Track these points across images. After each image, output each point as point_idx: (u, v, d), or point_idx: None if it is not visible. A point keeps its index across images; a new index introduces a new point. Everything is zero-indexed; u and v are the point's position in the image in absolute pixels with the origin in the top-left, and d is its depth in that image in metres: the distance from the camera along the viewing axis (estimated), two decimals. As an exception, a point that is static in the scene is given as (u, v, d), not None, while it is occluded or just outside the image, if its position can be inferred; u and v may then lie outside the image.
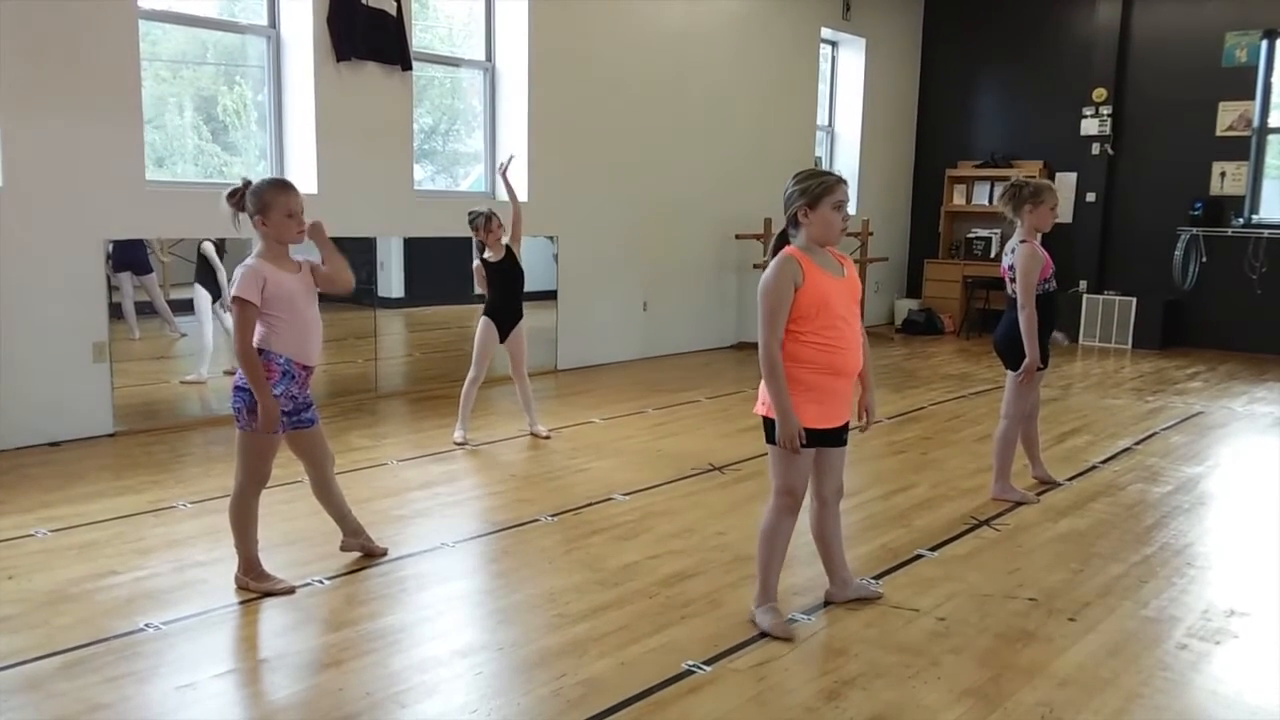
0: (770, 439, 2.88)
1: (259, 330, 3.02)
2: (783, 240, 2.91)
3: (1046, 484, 4.58)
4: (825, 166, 10.39)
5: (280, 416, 3.06)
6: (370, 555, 3.46)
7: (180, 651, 2.79)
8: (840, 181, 2.84)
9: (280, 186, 3.03)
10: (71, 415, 5.03)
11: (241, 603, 3.11)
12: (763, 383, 2.87)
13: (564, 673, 2.67)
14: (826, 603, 3.16)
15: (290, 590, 3.16)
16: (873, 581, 3.34)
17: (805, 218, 2.82)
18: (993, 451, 4.40)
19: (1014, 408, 4.28)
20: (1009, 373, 4.24)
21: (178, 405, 5.69)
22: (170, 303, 5.74)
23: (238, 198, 3.03)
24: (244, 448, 3.12)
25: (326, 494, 3.41)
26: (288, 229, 3.00)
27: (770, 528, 2.96)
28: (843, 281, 2.87)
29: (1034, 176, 4.48)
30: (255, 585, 3.16)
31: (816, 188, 2.80)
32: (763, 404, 2.89)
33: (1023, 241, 4.08)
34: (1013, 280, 4.11)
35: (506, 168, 5.17)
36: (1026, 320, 4.06)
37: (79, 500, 4.08)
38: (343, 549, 3.47)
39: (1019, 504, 4.29)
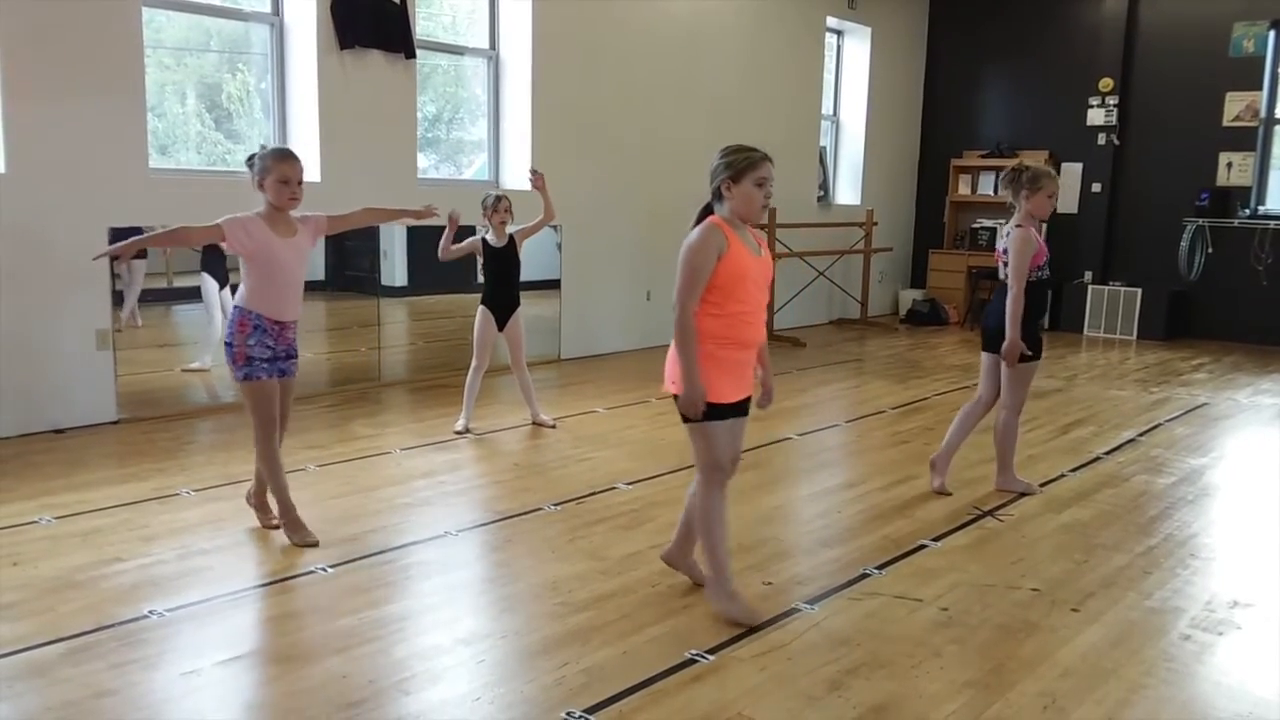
0: (687, 418, 2.89)
1: (243, 286, 3.34)
2: (707, 212, 2.93)
3: (941, 493, 4.28)
4: (830, 157, 10.36)
5: (253, 358, 3.33)
6: (268, 526, 3.62)
7: (185, 638, 2.80)
8: (765, 159, 2.86)
9: (279, 155, 3.32)
10: (75, 402, 5.03)
11: (246, 589, 3.12)
12: (668, 360, 2.89)
13: (567, 661, 2.68)
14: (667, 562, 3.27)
15: (316, 543, 3.44)
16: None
17: (728, 191, 2.85)
18: (995, 443, 4.38)
19: (1013, 397, 4.20)
20: (1011, 366, 4.19)
21: (181, 393, 5.69)
22: (175, 290, 5.75)
23: (251, 161, 3.35)
24: (244, 396, 3.40)
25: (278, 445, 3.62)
26: (280, 194, 3.27)
27: (708, 508, 2.97)
28: (760, 260, 2.91)
29: (1039, 163, 4.40)
30: (289, 533, 3.46)
31: (741, 162, 2.83)
32: (673, 382, 2.89)
33: (1019, 226, 4.05)
34: (1006, 264, 4.08)
35: (538, 181, 5.16)
36: (1013, 300, 4.01)
37: (83, 487, 4.09)
38: (247, 501, 3.71)
39: (1022, 494, 4.27)
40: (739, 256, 2.83)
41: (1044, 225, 4.14)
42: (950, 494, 4.27)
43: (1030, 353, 4.11)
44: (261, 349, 3.33)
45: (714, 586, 3.00)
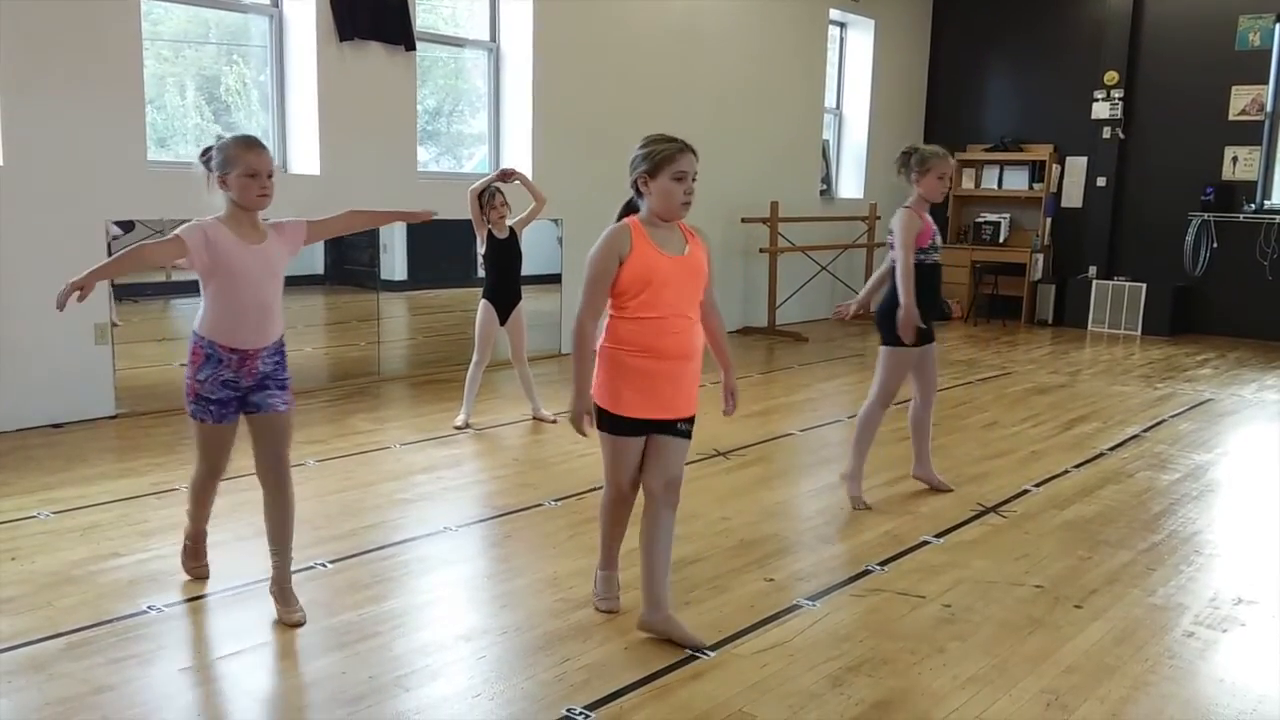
0: (598, 425, 2.69)
1: (201, 307, 2.77)
2: (628, 209, 2.72)
3: (932, 487, 4.17)
4: (833, 150, 10.31)
5: (202, 397, 2.78)
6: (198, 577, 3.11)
7: (183, 634, 2.79)
8: (685, 150, 2.59)
9: (244, 143, 2.73)
10: (73, 397, 5.02)
11: (244, 585, 3.10)
12: (595, 366, 2.70)
13: (568, 657, 2.67)
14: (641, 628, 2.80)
15: (202, 575, 3.09)
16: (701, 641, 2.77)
17: (645, 187, 2.61)
18: (855, 429, 4.06)
19: (881, 387, 3.95)
20: (881, 348, 3.95)
21: (180, 388, 5.64)
22: (174, 284, 5.72)
23: (208, 156, 2.75)
24: (195, 437, 2.86)
25: (269, 509, 2.87)
26: (247, 190, 2.70)
27: (604, 510, 2.89)
28: (681, 260, 2.64)
29: (932, 145, 4.10)
30: (184, 558, 3.10)
31: (658, 154, 2.57)
32: (595, 390, 2.70)
33: (905, 207, 3.89)
34: (893, 248, 3.89)
35: (513, 175, 5.17)
36: (903, 271, 3.76)
37: (81, 482, 4.07)
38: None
39: (855, 506, 3.94)
40: (646, 258, 2.58)
41: (927, 205, 3.91)
42: (952, 489, 4.23)
43: (924, 337, 3.85)
44: (214, 386, 2.74)
45: (601, 565, 2.94)
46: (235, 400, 2.79)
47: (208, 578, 3.11)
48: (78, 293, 2.51)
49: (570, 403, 2.67)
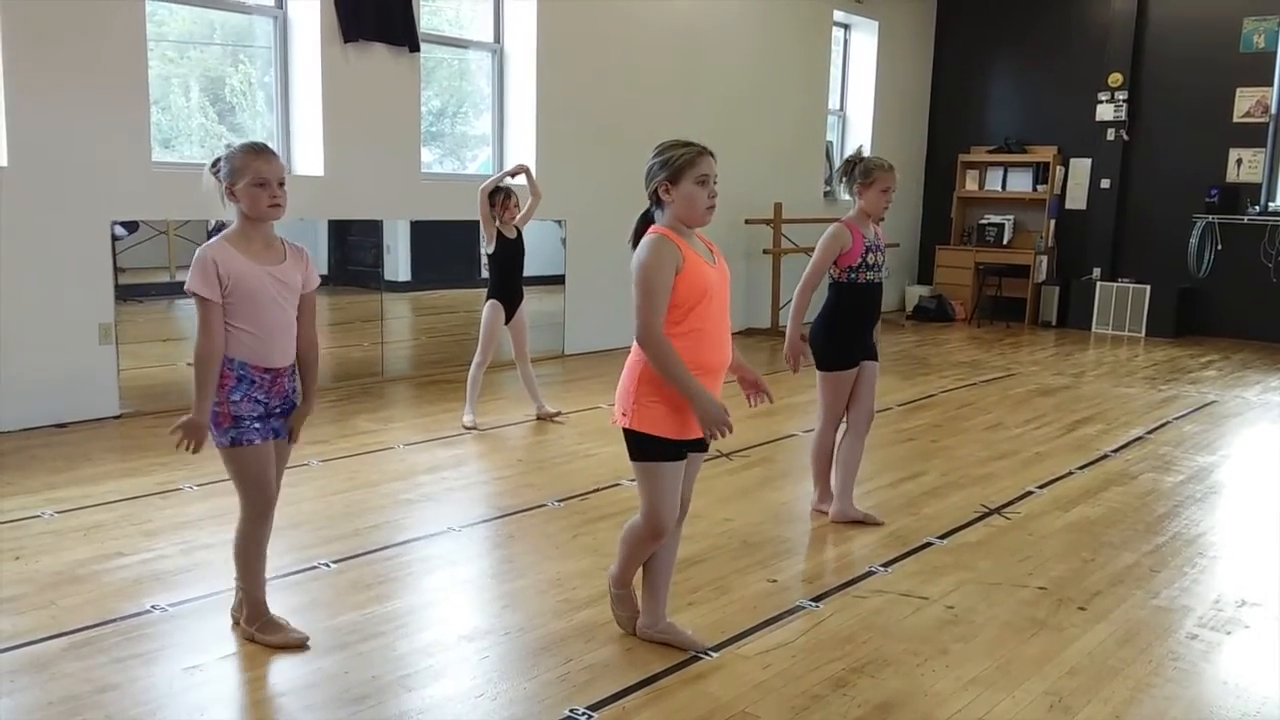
0: (635, 456, 2.57)
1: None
2: (646, 221, 2.59)
3: (857, 521, 3.78)
4: (836, 152, 10.31)
5: (242, 416, 2.60)
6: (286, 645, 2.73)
7: (187, 633, 2.79)
8: (704, 153, 2.51)
9: (252, 150, 2.60)
10: (78, 397, 5.03)
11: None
12: (619, 390, 2.58)
13: (570, 658, 2.67)
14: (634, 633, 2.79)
15: (303, 643, 2.70)
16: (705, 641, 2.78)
17: (667, 195, 2.50)
18: (810, 461, 3.92)
19: (822, 410, 3.76)
20: (817, 372, 3.75)
21: (184, 387, 5.67)
22: (179, 284, 5.72)
23: (217, 167, 2.63)
24: (229, 465, 2.65)
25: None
26: (257, 200, 2.55)
27: (637, 543, 2.70)
28: (717, 269, 2.58)
29: (878, 156, 3.83)
30: (261, 637, 2.71)
31: (677, 160, 2.48)
32: (624, 414, 2.56)
33: (840, 221, 3.69)
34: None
35: (520, 172, 5.22)
36: (798, 290, 3.63)
37: (85, 482, 4.08)
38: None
39: (859, 522, 3.77)
40: (697, 268, 2.50)
41: (869, 219, 3.68)
42: (882, 522, 3.82)
43: (831, 361, 3.67)
44: (251, 404, 2.59)
45: (617, 585, 2.81)
46: (266, 420, 2.65)
47: (307, 644, 2.71)
48: (190, 443, 2.51)
49: (694, 413, 2.47)
